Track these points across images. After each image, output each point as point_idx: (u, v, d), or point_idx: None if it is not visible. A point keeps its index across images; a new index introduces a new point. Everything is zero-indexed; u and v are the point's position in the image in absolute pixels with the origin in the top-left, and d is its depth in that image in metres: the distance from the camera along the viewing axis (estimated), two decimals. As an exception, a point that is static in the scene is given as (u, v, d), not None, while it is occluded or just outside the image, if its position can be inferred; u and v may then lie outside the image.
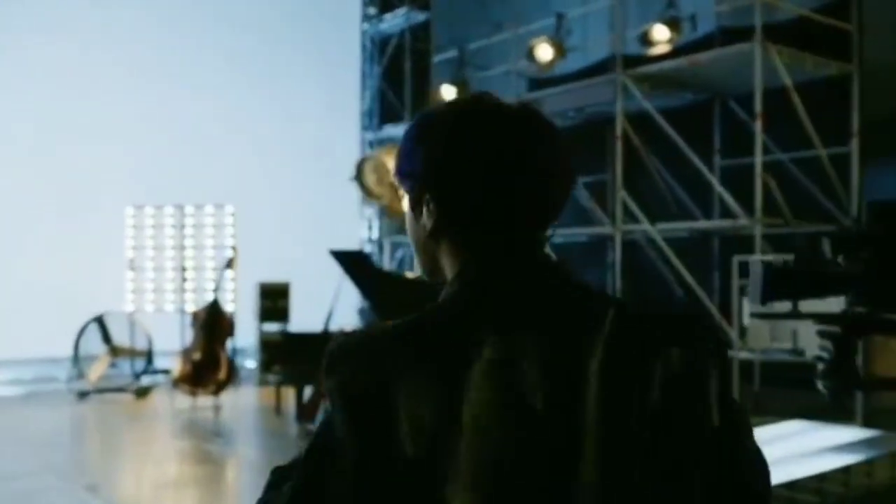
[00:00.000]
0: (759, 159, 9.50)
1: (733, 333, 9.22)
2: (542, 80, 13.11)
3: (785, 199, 9.95)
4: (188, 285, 11.42)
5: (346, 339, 1.07)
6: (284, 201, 12.79)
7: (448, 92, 12.53)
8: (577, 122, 12.72)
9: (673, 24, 9.98)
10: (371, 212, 14.56)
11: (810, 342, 8.63)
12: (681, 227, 11.06)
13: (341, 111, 14.21)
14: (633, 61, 10.68)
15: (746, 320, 8.68)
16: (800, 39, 9.93)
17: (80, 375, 10.36)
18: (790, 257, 3.30)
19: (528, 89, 13.73)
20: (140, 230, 11.42)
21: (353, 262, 8.82)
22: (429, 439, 0.98)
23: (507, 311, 1.06)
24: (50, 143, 11.70)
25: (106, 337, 10.36)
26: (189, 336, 9.65)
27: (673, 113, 10.75)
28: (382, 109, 14.67)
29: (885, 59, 10.46)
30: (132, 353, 10.53)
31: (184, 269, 11.43)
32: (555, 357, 1.02)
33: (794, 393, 9.50)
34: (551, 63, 11.31)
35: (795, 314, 3.36)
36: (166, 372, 10.60)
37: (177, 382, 9.28)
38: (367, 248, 14.51)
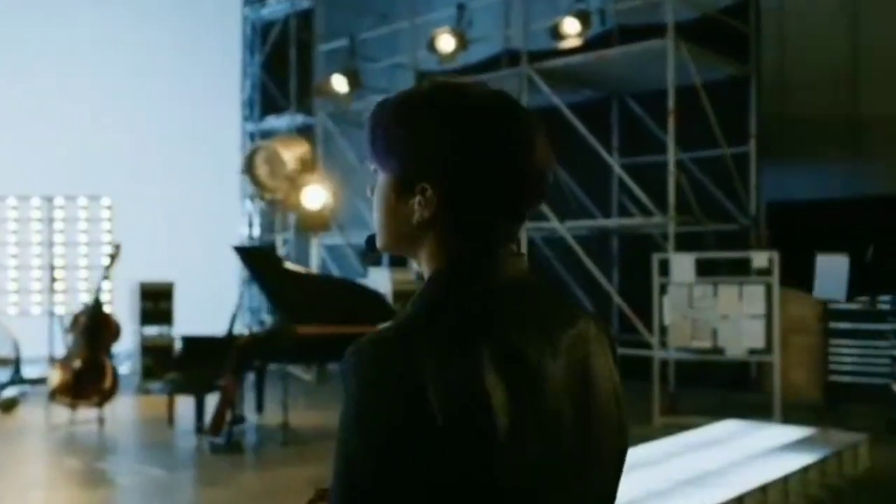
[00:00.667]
0: (672, 157, 9.44)
1: (648, 332, 9.13)
2: (430, 73, 12.73)
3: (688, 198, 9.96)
4: (58, 286, 10.36)
5: (381, 336, 1.05)
6: (162, 195, 11.84)
7: (339, 82, 11.95)
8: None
9: (583, 17, 9.79)
10: (252, 207, 13.76)
11: (731, 341, 8.66)
12: (592, 224, 10.89)
13: (222, 100, 13.34)
14: (534, 56, 10.44)
15: (667, 319, 8.58)
16: (702, 40, 9.94)
17: None
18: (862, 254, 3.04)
19: (417, 82, 13.31)
20: (1, 224, 10.26)
21: (260, 260, 8.16)
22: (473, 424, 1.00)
23: (507, 306, 1.09)
24: None
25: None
26: (66, 342, 8.67)
27: (571, 110, 10.57)
28: (265, 100, 13.89)
29: (779, 63, 10.66)
30: (-4, 362, 9.42)
31: (53, 268, 10.35)
32: (553, 352, 1.09)
33: (704, 392, 9.52)
34: (453, 54, 10.92)
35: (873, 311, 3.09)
36: (36, 382, 9.55)
37: (54, 394, 8.30)
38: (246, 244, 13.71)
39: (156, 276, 10.62)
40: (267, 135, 14.01)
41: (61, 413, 8.40)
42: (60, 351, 10.17)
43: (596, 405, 1.13)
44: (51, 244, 10.37)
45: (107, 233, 10.44)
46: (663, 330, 8.56)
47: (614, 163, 10.08)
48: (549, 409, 1.06)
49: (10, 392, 9.39)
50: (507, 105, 1.13)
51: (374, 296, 8.28)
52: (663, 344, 8.57)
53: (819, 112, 10.33)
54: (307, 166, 10.35)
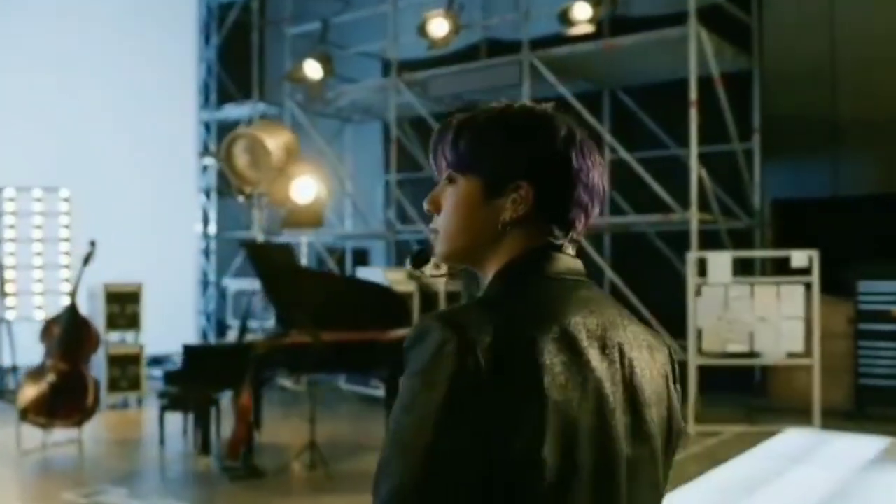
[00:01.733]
0: (694, 150, 8.95)
1: (668, 334, 8.59)
2: (401, 62, 11.99)
3: (681, 195, 9.51)
4: (8, 288, 9.16)
5: (471, 307, 1.16)
6: (114, 189, 10.68)
7: (312, 68, 11.05)
8: (452, 110, 11.66)
9: (595, 2, 9.20)
10: (207, 202, 12.69)
11: (768, 344, 8.20)
12: (618, 222, 10.25)
13: (177, 87, 12.20)
14: (536, 44, 9.82)
15: (701, 321, 8.07)
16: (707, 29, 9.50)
17: None
18: None
19: (384, 72, 12.54)
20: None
21: (271, 258, 7.27)
22: (566, 390, 1.11)
23: (578, 297, 1.20)
24: None
25: None
26: (34, 352, 7.60)
27: (563, 102, 10.00)
28: (222, 87, 12.83)
29: (783, 56, 10.32)
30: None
31: (2, 268, 9.16)
32: (601, 346, 1.18)
33: (709, 398, 9.04)
34: (445, 39, 10.18)
35: None
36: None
37: (26, 413, 7.18)
38: (202, 245, 12.63)
39: (111, 276, 9.54)
40: (226, 125, 12.97)
41: (32, 434, 7.29)
42: (15, 361, 9.04)
43: (639, 401, 1.20)
44: (-1, 241, 9.18)
45: (65, 228, 9.29)
46: (699, 333, 8.03)
47: (631, 159, 9.49)
48: (596, 391, 1.14)
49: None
50: (575, 129, 1.26)
51: (395, 298, 7.50)
52: (699, 348, 8.05)
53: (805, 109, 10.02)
54: (292, 156, 9.45)
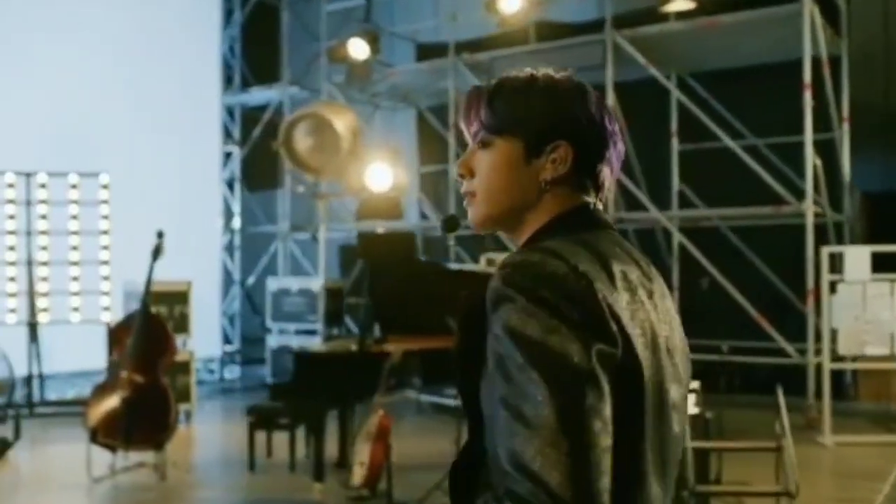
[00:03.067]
0: (809, 137, 8.24)
1: (782, 337, 7.89)
2: (431, 46, 11.13)
3: (757, 186, 8.83)
4: (40, 287, 7.99)
5: (547, 250, 1.16)
6: (137, 176, 9.53)
7: (357, 46, 10.06)
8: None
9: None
10: (230, 194, 11.58)
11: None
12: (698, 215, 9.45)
13: (199, 68, 11.04)
14: (620, 22, 9.01)
15: (837, 322, 7.35)
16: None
17: None
18: None
19: (417, 56, 11.63)
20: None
21: (388, 251, 6.32)
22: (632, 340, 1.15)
23: (624, 248, 1.26)
24: None
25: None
26: (65, 360, 6.51)
27: (624, 88, 9.26)
28: (248, 69, 11.73)
29: (870, 41, 9.71)
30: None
31: (30, 264, 7.99)
32: (654, 291, 1.26)
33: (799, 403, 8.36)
34: (518, 16, 9.30)
35: None
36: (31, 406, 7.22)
37: (96, 434, 6.08)
38: (225, 240, 11.53)
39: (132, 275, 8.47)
40: (251, 110, 11.89)
41: (100, 457, 6.19)
42: (42, 370, 7.93)
43: (674, 346, 1.26)
44: (29, 233, 7.99)
45: (104, 219, 8.15)
46: (833, 334, 7.31)
47: (741, 146, 8.70)
48: (652, 332, 1.20)
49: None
50: (602, 96, 1.34)
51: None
52: (833, 352, 7.32)
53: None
54: (358, 140, 8.49)
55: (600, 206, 1.30)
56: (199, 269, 10.42)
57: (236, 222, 11.55)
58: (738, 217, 9.31)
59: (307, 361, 5.92)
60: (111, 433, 6.10)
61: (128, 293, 8.70)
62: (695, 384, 5.27)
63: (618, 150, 1.31)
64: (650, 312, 1.20)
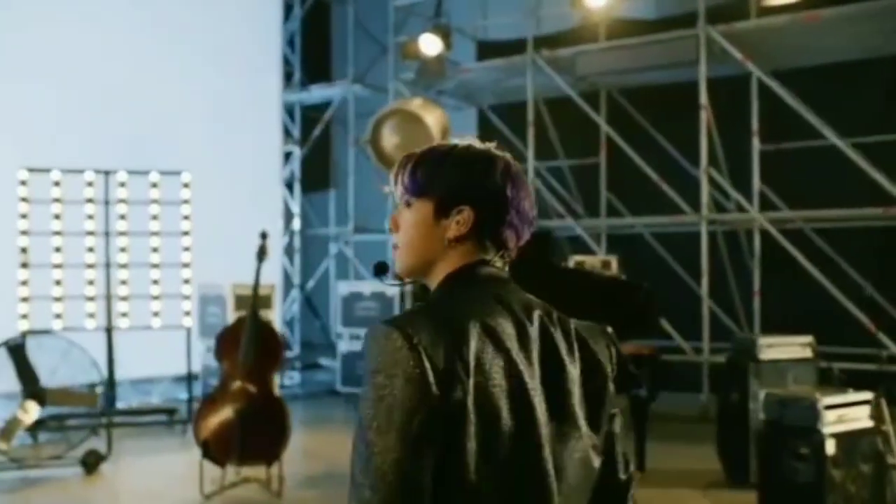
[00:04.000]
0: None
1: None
2: (492, 43, 10.81)
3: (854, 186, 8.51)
4: (121, 290, 7.59)
5: (414, 312, 1.37)
6: (208, 176, 9.15)
7: (430, 42, 9.70)
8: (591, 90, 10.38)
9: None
10: (289, 195, 11.19)
11: None
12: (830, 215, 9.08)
13: (259, 65, 10.65)
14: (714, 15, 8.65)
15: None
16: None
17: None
18: None
19: (478, 54, 11.28)
20: (40, 207, 7.38)
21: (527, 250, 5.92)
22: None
23: (498, 297, 1.42)
24: None
25: (25, 374, 6.33)
26: (142, 366, 6.11)
27: (693, 86, 8.92)
28: (308, 66, 11.35)
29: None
30: (73, 400, 6.56)
31: (108, 266, 7.59)
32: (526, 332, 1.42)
33: None
34: (608, 9, 8.95)
35: None
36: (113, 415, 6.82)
37: (207, 447, 5.69)
38: (283, 241, 11.13)
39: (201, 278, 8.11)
40: (311, 108, 11.51)
41: (209, 472, 5.80)
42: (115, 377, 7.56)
43: (559, 383, 1.41)
44: (107, 234, 7.60)
45: (185, 219, 7.77)
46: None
47: (829, 145, 8.32)
48: (515, 375, 1.34)
49: (86, 442, 6.61)
50: (511, 160, 1.52)
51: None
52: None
53: None
54: (446, 138, 8.10)
55: (498, 262, 1.47)
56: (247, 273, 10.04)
57: (296, 224, 11.17)
58: (844, 219, 8.91)
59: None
60: (224, 447, 5.72)
61: (203, 297, 8.32)
62: (860, 396, 4.92)
63: (521, 213, 1.47)
64: (517, 363, 1.35)
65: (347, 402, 9.08)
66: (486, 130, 11.60)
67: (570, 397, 1.41)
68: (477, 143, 1.52)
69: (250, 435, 5.71)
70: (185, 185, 7.79)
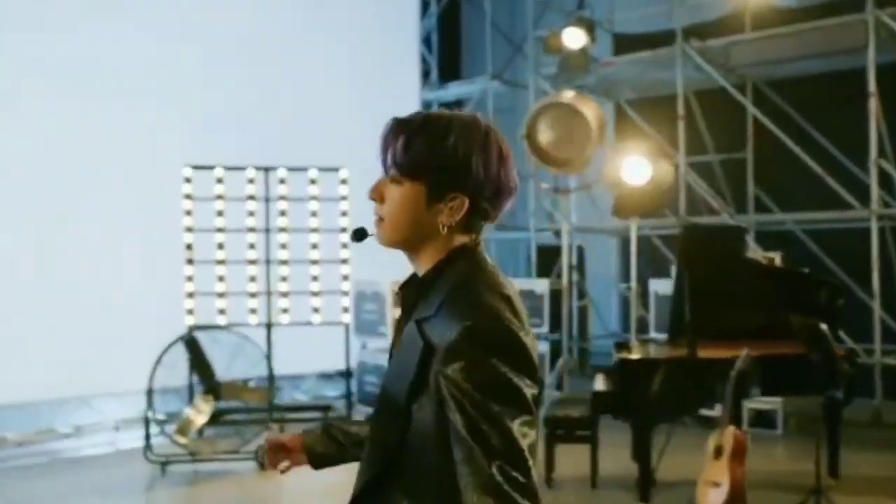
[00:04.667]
0: None
1: None
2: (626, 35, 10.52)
3: None
4: (282, 286, 7.61)
5: (487, 295, 1.45)
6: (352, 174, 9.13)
7: (575, 35, 9.48)
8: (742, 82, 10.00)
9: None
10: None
11: None
12: None
13: (397, 63, 10.62)
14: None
15: None
16: None
17: (162, 431, 6.36)
18: None
19: (615, 48, 11.02)
20: (203, 204, 7.45)
21: (711, 249, 5.71)
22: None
23: (506, 280, 1.51)
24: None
25: (202, 368, 6.38)
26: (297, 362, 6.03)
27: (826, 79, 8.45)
28: (443, 63, 11.29)
29: None
30: (247, 394, 6.59)
31: (269, 262, 7.62)
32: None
33: None
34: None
35: None
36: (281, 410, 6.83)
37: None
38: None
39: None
40: (449, 106, 11.44)
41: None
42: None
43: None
44: (268, 230, 7.62)
45: (343, 216, 7.74)
46: None
47: None
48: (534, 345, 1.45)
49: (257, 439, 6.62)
50: (499, 133, 1.53)
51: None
52: None
53: None
54: (603, 132, 7.90)
55: (480, 239, 1.53)
56: (398, 270, 9.98)
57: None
58: None
59: (633, 369, 5.34)
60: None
61: (359, 294, 8.28)
62: None
63: (511, 192, 1.53)
64: (530, 333, 1.45)
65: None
66: (623, 125, 11.33)
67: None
68: (471, 118, 1.50)
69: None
70: (343, 182, 7.76)
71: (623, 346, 6.10)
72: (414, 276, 1.56)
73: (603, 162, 7.66)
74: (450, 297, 1.43)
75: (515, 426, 1.32)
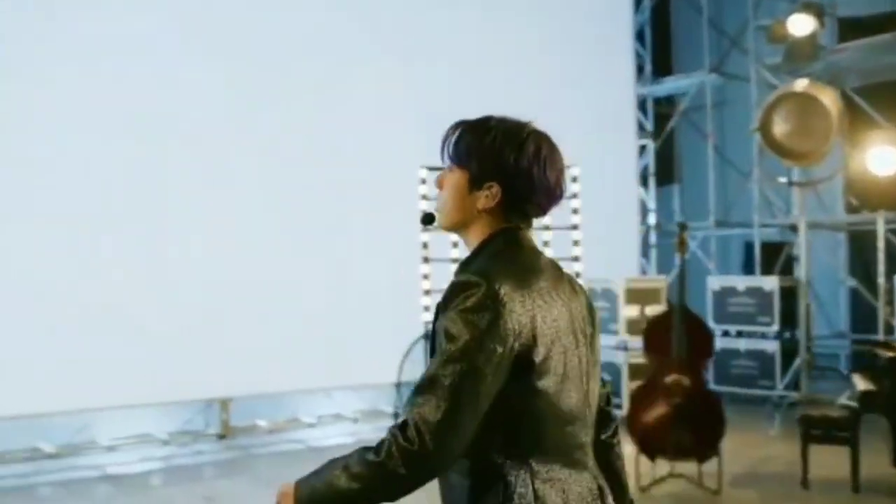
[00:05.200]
0: None
1: None
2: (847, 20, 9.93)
3: None
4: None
5: (481, 273, 1.65)
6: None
7: (802, 22, 9.10)
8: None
9: None
10: (644, 192, 11.03)
11: None
12: None
13: (610, 58, 10.58)
14: None
15: None
16: None
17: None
18: None
19: (840, 33, 10.49)
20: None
21: None
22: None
23: (541, 262, 1.74)
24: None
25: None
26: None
27: None
28: (658, 56, 11.18)
29: None
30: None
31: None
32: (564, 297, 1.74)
33: None
34: None
35: None
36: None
37: (647, 444, 5.63)
38: (639, 240, 10.98)
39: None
40: (664, 102, 11.34)
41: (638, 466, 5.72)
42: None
43: (582, 328, 1.75)
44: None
45: (574, 213, 7.80)
46: None
47: None
48: (557, 323, 1.66)
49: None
50: (548, 139, 1.76)
51: None
52: None
53: None
54: (843, 121, 7.56)
55: (528, 232, 1.77)
56: (617, 268, 9.94)
57: (651, 219, 11.00)
58: None
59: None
60: (658, 441, 5.62)
61: (589, 291, 8.31)
62: None
63: (547, 190, 1.73)
64: (558, 308, 1.67)
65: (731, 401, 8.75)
66: (850, 114, 10.80)
67: (586, 339, 1.75)
68: (516, 123, 1.74)
69: (685, 430, 5.56)
70: (574, 180, 7.82)
71: (886, 345, 5.84)
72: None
73: (839, 153, 7.34)
74: (470, 265, 1.68)
75: (458, 376, 1.52)
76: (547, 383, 1.61)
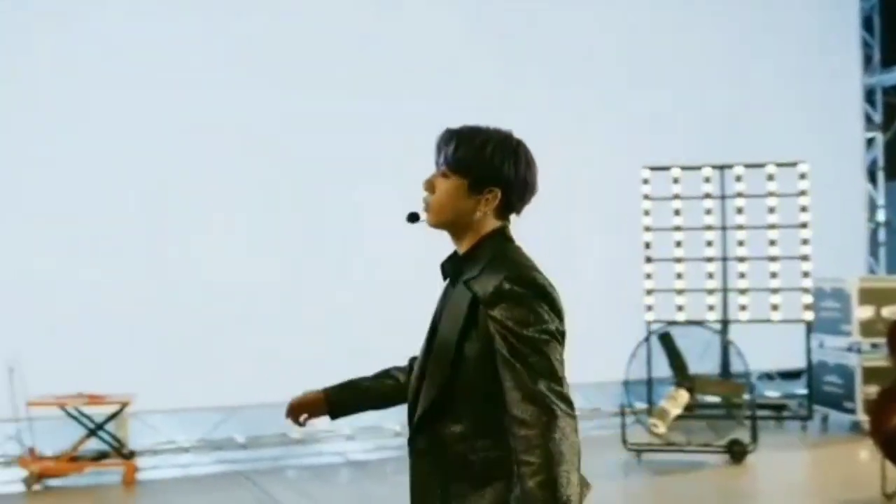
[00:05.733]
0: None
1: None
2: None
3: None
4: (740, 283, 7.66)
5: (526, 267, 1.84)
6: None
7: None
8: None
9: None
10: (871, 187, 10.52)
11: None
12: None
13: (839, 51, 10.15)
14: None
15: None
16: None
17: (637, 420, 6.73)
18: None
19: None
20: (664, 203, 7.72)
21: None
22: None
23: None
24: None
25: (676, 362, 6.63)
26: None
27: None
28: (885, 45, 10.60)
29: None
30: (721, 389, 6.78)
31: (724, 260, 7.71)
32: None
33: None
34: None
35: None
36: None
37: (892, 449, 5.44)
38: (868, 237, 10.46)
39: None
40: (890, 90, 10.78)
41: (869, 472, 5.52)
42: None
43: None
44: (724, 228, 7.72)
45: (802, 211, 7.60)
46: None
47: None
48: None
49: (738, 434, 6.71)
50: (527, 146, 1.95)
51: None
52: None
53: None
54: None
55: (508, 224, 1.94)
56: (843, 268, 9.51)
57: (880, 215, 10.44)
58: None
59: None
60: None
61: (817, 291, 8.06)
62: None
63: (534, 191, 1.94)
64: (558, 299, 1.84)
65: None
66: None
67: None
68: (506, 133, 1.91)
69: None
70: (802, 177, 7.61)
71: None
72: (455, 254, 1.92)
73: None
74: (490, 262, 1.82)
75: (550, 349, 1.70)
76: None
